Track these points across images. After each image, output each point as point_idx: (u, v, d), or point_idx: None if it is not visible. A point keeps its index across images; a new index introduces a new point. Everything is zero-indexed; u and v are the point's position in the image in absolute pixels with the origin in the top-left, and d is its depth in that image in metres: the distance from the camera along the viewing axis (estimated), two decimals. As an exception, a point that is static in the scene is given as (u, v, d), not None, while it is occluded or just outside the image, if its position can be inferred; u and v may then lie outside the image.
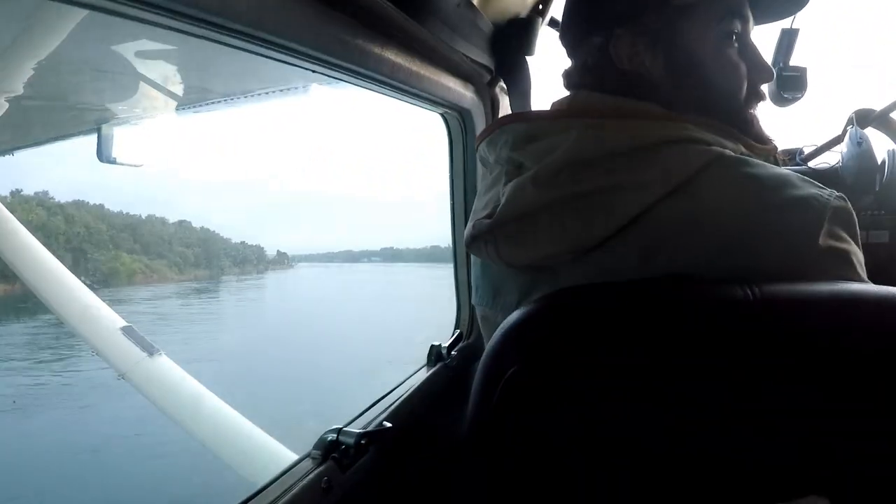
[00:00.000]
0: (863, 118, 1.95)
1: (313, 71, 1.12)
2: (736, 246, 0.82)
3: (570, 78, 1.05)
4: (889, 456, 0.75)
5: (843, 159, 1.93)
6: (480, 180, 1.05)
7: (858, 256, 0.85)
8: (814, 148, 2.08)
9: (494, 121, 1.02)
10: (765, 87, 1.05)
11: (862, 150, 1.87)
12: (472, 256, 1.08)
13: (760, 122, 1.04)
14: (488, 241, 0.94)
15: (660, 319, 0.76)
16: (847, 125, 1.97)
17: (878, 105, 1.97)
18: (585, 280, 0.87)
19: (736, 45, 0.99)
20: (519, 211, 0.90)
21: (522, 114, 1.05)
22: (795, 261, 0.82)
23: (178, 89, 1.41)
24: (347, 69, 1.16)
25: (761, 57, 1.01)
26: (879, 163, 1.86)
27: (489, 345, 0.82)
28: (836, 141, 2.04)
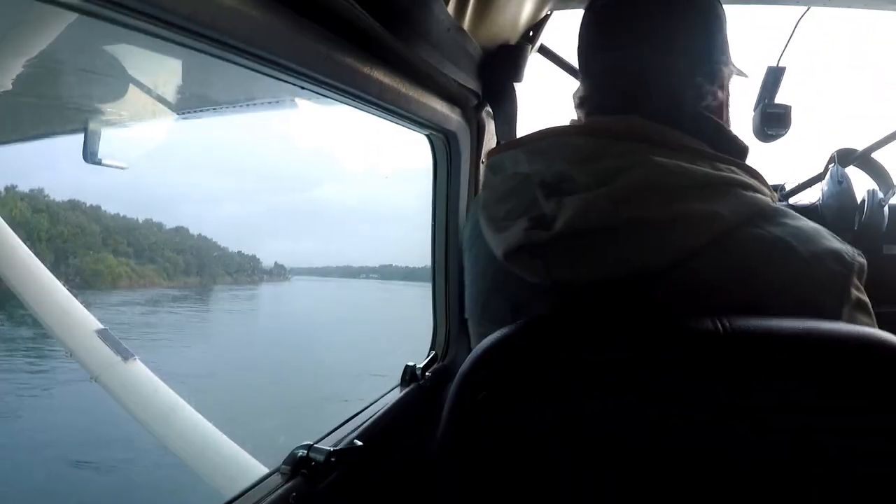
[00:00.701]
0: (844, 157, 1.99)
1: (302, 87, 1.13)
2: (770, 304, 0.85)
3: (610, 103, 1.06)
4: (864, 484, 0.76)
5: (823, 197, 1.97)
6: (485, 189, 1.05)
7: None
8: (796, 185, 2.11)
9: (536, 132, 1.02)
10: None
11: (842, 188, 1.91)
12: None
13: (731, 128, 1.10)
14: (537, 254, 0.90)
15: (639, 343, 0.78)
16: (829, 163, 2.00)
17: (869, 108, 2.02)
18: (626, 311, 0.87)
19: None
20: (586, 225, 0.87)
21: (582, 126, 1.03)
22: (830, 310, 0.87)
23: (166, 95, 1.41)
24: (335, 87, 1.17)
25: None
26: (859, 202, 1.90)
27: (463, 366, 0.82)
28: (818, 178, 2.07)
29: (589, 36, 1.11)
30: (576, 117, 1.12)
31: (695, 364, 0.77)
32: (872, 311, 0.91)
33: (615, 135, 0.95)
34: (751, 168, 0.97)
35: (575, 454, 0.79)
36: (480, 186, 1.86)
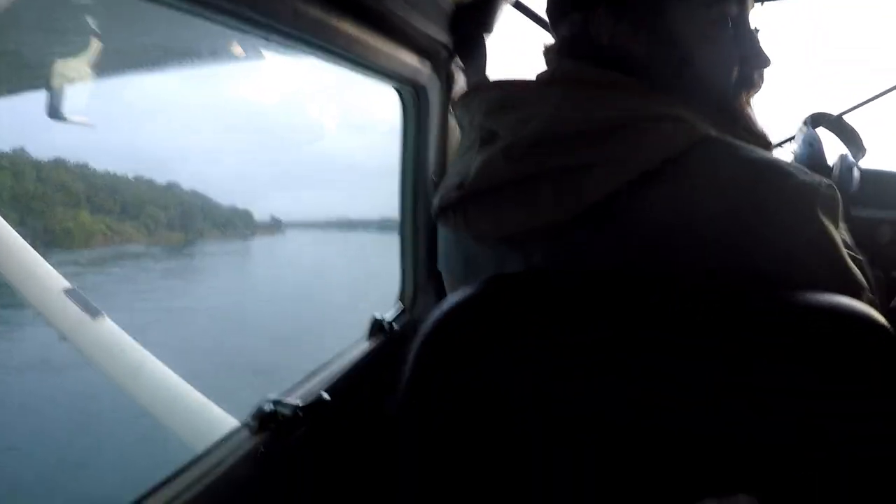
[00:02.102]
0: (817, 120, 2.00)
1: (267, 39, 1.11)
2: (721, 237, 0.79)
3: (548, 54, 1.02)
4: (817, 454, 0.78)
5: (794, 158, 1.99)
6: (458, 146, 1.04)
7: (840, 240, 0.84)
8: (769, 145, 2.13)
9: (471, 85, 1.01)
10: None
11: (813, 150, 1.93)
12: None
13: (753, 113, 1.00)
14: (457, 211, 0.92)
15: (625, 292, 0.78)
16: (801, 125, 2.02)
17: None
18: (557, 259, 0.85)
19: (731, 30, 0.95)
20: (488, 183, 0.87)
21: (500, 81, 0.98)
22: (789, 249, 0.80)
23: (131, 49, 1.38)
24: (302, 39, 1.15)
25: (757, 42, 0.98)
26: (830, 165, 1.92)
27: (425, 325, 0.82)
28: (789, 140, 2.09)
29: None
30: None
31: (680, 342, 0.76)
32: (840, 243, 0.84)
33: (532, 83, 0.95)
34: (703, 108, 0.91)
35: (549, 434, 0.80)
36: (449, 139, 1.86)
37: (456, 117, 1.04)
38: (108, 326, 2.34)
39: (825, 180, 0.83)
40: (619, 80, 0.92)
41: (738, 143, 0.85)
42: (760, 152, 0.84)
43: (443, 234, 1.06)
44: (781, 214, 0.80)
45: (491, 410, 0.80)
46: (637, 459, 0.79)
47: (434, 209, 0.96)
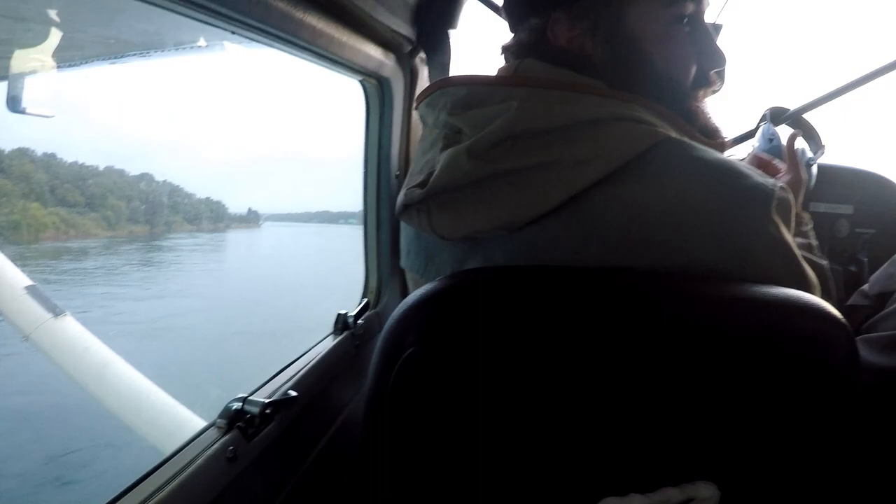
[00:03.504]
0: (776, 115, 2.04)
1: (233, 32, 1.09)
2: (679, 235, 0.80)
3: (508, 52, 1.03)
4: (775, 443, 0.80)
5: (754, 153, 2.02)
6: (419, 141, 1.01)
7: (794, 244, 0.86)
8: (728, 140, 2.16)
9: (435, 81, 0.98)
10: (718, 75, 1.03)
11: (772, 146, 1.97)
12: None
13: (709, 113, 1.02)
14: (421, 210, 0.90)
15: (563, 303, 0.78)
16: (760, 121, 2.05)
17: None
18: (517, 257, 0.86)
19: (687, 28, 0.96)
20: (452, 182, 0.87)
21: (465, 77, 0.96)
22: (744, 247, 0.81)
23: (93, 40, 1.35)
24: (267, 32, 1.13)
25: (714, 41, 0.99)
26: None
27: (388, 322, 0.81)
28: (749, 135, 2.13)
29: None
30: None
31: (636, 334, 0.77)
32: (794, 246, 0.86)
33: (495, 81, 0.94)
34: (662, 109, 0.93)
35: (493, 436, 0.80)
36: (412, 133, 1.85)
37: (419, 113, 1.02)
38: (71, 325, 2.29)
39: (779, 182, 0.84)
40: (581, 81, 0.93)
41: (696, 145, 0.86)
42: (717, 154, 0.86)
43: (405, 230, 1.06)
44: (736, 214, 0.81)
45: (455, 405, 0.80)
46: (598, 450, 0.80)
47: (398, 206, 0.94)
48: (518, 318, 0.78)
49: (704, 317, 0.77)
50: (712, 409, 0.78)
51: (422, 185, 0.89)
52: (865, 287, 1.22)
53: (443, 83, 0.96)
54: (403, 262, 1.08)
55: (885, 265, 1.18)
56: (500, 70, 1.00)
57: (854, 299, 1.25)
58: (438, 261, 0.96)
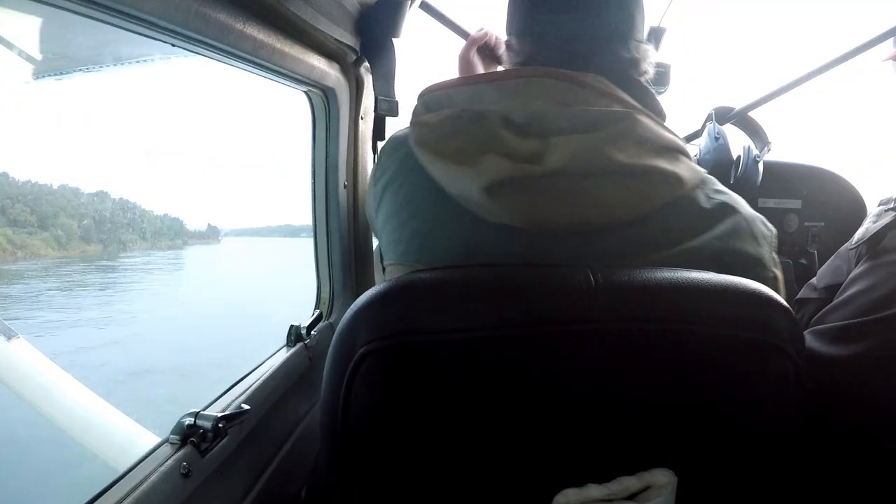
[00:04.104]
0: (721, 115, 2.09)
1: (172, 44, 1.08)
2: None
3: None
4: (728, 427, 0.82)
5: (700, 152, 2.08)
6: (419, 125, 1.02)
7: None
8: None
9: (510, 70, 1.06)
10: None
11: (719, 144, 2.02)
12: (383, 209, 1.03)
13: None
14: (520, 191, 0.89)
15: (509, 299, 0.79)
16: (706, 121, 2.10)
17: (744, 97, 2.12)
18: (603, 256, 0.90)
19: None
20: (583, 167, 0.90)
21: (561, 73, 1.00)
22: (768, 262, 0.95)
23: (35, 55, 1.33)
24: (207, 44, 1.13)
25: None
26: (735, 158, 2.01)
27: (340, 323, 0.82)
28: (696, 135, 2.18)
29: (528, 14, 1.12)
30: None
31: (555, 346, 0.80)
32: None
33: (593, 88, 0.99)
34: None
35: (452, 436, 0.81)
36: (360, 142, 1.85)
37: (431, 99, 1.06)
38: (24, 347, 2.23)
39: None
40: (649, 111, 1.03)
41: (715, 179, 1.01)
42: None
43: (409, 222, 1.00)
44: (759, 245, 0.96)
45: (410, 404, 0.81)
46: (555, 443, 0.82)
47: (482, 184, 0.89)
48: (470, 316, 0.78)
49: (656, 304, 0.79)
50: (666, 396, 0.81)
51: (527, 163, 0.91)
52: (814, 280, 1.26)
53: (533, 73, 1.01)
54: (398, 257, 1.00)
55: (832, 258, 1.21)
56: (568, 73, 1.02)
57: (803, 293, 1.29)
58: (485, 255, 0.92)
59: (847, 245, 1.16)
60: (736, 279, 0.83)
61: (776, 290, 0.91)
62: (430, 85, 1.07)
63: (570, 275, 0.80)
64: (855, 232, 1.15)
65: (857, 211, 2.03)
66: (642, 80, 1.08)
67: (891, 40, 1.86)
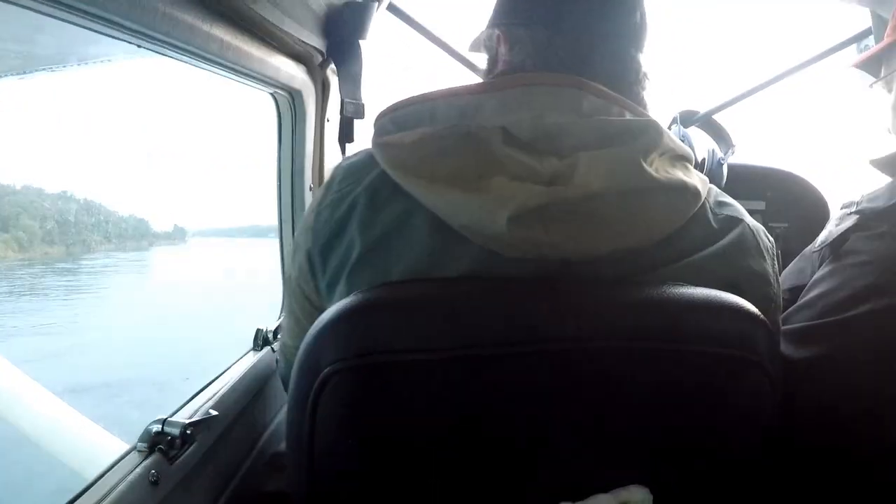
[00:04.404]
0: (686, 118, 2.11)
1: (138, 45, 1.07)
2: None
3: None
4: (704, 441, 0.83)
5: None
6: (392, 146, 0.86)
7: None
8: None
9: (509, 77, 0.89)
10: None
11: None
12: (344, 242, 0.87)
13: None
14: (555, 219, 0.77)
15: (486, 317, 0.77)
16: (671, 124, 2.13)
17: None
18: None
19: None
20: (631, 186, 0.79)
21: (577, 80, 0.86)
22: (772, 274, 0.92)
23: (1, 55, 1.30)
24: (174, 45, 1.12)
25: None
26: (699, 160, 2.03)
27: (305, 340, 0.79)
28: None
29: (531, 2, 0.99)
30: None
31: (526, 360, 0.77)
32: None
33: (606, 96, 0.87)
34: None
35: (418, 450, 0.79)
36: (325, 144, 1.85)
37: (403, 116, 0.88)
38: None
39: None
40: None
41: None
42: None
43: (379, 249, 0.87)
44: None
45: (377, 426, 0.79)
46: (526, 460, 0.80)
47: (506, 214, 0.76)
48: (441, 334, 0.76)
49: (639, 322, 0.78)
50: (643, 413, 0.80)
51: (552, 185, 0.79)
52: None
53: (533, 80, 0.87)
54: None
55: (796, 260, 1.23)
56: (574, 79, 0.89)
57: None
58: (449, 265, 0.82)
59: (811, 247, 1.17)
60: (717, 294, 0.81)
61: (776, 305, 0.91)
62: (404, 98, 0.90)
63: (552, 291, 0.78)
64: (818, 233, 1.17)
65: (820, 212, 2.06)
66: (642, 90, 0.99)
67: (854, 46, 1.90)
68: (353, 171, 0.91)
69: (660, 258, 0.83)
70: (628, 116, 0.86)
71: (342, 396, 0.77)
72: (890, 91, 1.20)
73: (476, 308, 0.77)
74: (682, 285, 0.81)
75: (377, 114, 0.92)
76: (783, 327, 1.06)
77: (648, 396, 0.79)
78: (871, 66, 1.27)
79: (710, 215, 0.88)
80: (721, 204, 0.92)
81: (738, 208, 0.93)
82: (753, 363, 0.80)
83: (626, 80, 0.96)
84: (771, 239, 0.95)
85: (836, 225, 1.12)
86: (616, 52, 0.96)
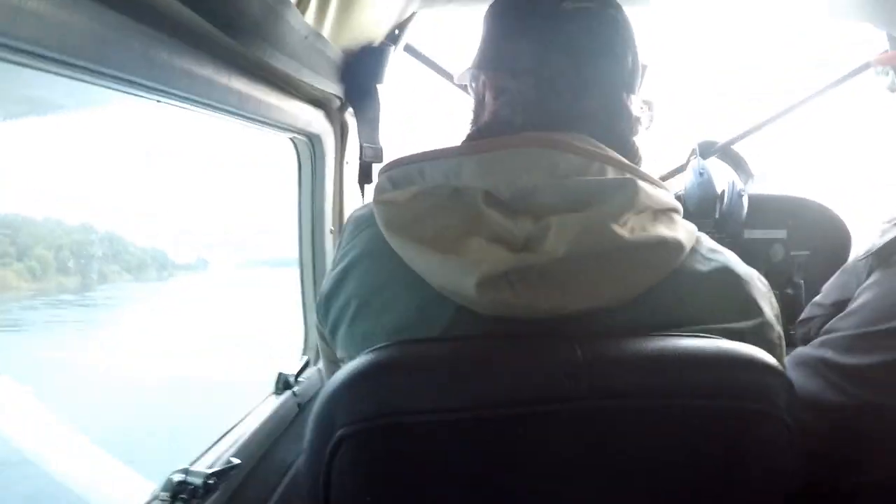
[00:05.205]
0: (705, 149, 2.11)
1: (158, 101, 1.09)
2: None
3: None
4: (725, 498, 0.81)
5: (686, 188, 2.10)
6: (386, 204, 0.88)
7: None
8: (659, 177, 2.24)
9: (486, 141, 0.90)
10: None
11: (703, 179, 2.05)
12: (344, 291, 0.90)
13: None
14: (521, 282, 0.77)
15: (485, 375, 0.76)
16: (690, 156, 2.13)
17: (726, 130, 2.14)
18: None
19: None
20: (588, 249, 0.79)
21: (553, 139, 0.87)
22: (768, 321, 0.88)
23: (18, 100, 1.34)
24: (194, 100, 1.14)
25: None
26: (719, 192, 2.03)
27: (319, 399, 0.78)
28: (680, 170, 2.20)
29: (517, 50, 0.99)
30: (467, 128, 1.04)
31: (531, 420, 0.76)
32: None
33: (584, 152, 0.87)
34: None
35: (435, 489, 0.78)
36: (345, 187, 1.86)
37: (398, 175, 0.91)
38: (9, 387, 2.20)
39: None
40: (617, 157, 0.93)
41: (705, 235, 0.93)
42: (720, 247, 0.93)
43: (369, 308, 0.89)
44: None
45: (392, 491, 0.77)
46: None
47: (475, 278, 0.77)
48: (453, 395, 0.75)
49: (646, 378, 0.77)
50: (658, 472, 0.78)
51: (523, 249, 0.80)
52: (818, 298, 1.28)
53: (513, 143, 0.88)
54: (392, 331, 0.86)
55: (837, 275, 1.24)
56: (556, 137, 0.89)
57: (809, 311, 1.32)
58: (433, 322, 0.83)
59: (853, 260, 1.18)
60: (729, 345, 0.79)
61: (780, 348, 0.88)
62: (398, 157, 0.93)
63: (556, 349, 0.77)
64: (841, 259, 1.18)
65: (841, 238, 2.05)
66: (634, 137, 0.99)
67: (872, 70, 1.88)
68: (359, 224, 0.94)
69: (649, 314, 0.82)
70: (609, 173, 0.86)
71: (356, 458, 0.76)
72: None
73: (488, 367, 0.76)
74: (695, 336, 0.80)
75: (380, 169, 0.96)
76: (832, 335, 1.05)
77: (664, 456, 0.77)
78: None
79: (700, 265, 0.87)
80: (711, 251, 0.90)
81: (728, 256, 0.91)
82: (773, 416, 0.78)
83: (617, 130, 0.96)
84: (766, 283, 0.92)
85: (880, 237, 1.13)
86: (607, 100, 0.97)
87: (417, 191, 0.86)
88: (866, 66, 1.87)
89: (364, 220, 0.93)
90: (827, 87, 2.01)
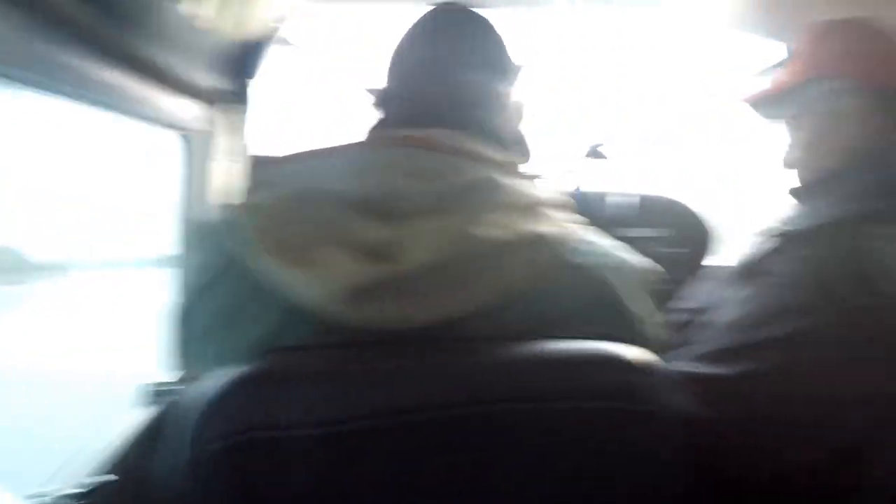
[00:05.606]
0: (593, 153, 2.16)
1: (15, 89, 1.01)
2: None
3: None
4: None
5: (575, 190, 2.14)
6: (254, 210, 0.83)
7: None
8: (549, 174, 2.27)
9: (352, 144, 0.89)
10: None
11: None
12: (201, 310, 0.86)
13: None
14: (378, 296, 0.75)
15: (353, 388, 0.75)
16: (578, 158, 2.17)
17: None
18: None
19: None
20: (446, 257, 0.77)
21: (416, 137, 0.87)
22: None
23: None
24: (65, 92, 1.07)
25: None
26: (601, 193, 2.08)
27: (186, 411, 0.74)
28: (569, 172, 2.24)
29: (412, 46, 1.04)
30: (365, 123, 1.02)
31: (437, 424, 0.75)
32: None
33: (451, 149, 0.87)
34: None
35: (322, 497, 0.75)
36: (229, 184, 1.80)
37: (262, 178, 0.88)
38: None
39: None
40: (512, 160, 0.95)
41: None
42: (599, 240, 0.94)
43: (231, 317, 0.85)
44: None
45: (261, 496, 0.74)
46: None
47: (328, 292, 0.75)
48: (327, 406, 0.73)
49: (515, 383, 0.76)
50: (537, 479, 0.77)
51: (380, 259, 0.76)
52: (682, 302, 1.30)
53: (389, 142, 0.89)
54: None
55: (701, 280, 1.26)
56: (424, 134, 0.90)
57: (675, 316, 1.33)
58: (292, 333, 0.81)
59: (720, 267, 1.21)
60: (597, 345, 0.79)
61: (657, 341, 0.89)
62: (260, 156, 0.92)
63: (424, 357, 0.76)
64: (704, 254, 1.20)
65: (702, 234, 2.13)
66: (507, 131, 0.99)
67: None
68: (219, 230, 0.87)
69: (516, 314, 0.81)
70: (474, 171, 0.85)
71: (222, 474, 0.72)
72: (799, 129, 1.24)
73: (356, 379, 0.75)
74: (564, 339, 0.80)
75: (251, 171, 0.93)
76: (700, 348, 1.07)
77: (543, 459, 0.76)
78: (775, 102, 1.29)
79: (570, 258, 0.86)
80: (589, 244, 0.90)
81: (608, 249, 0.92)
82: (644, 413, 0.78)
83: (495, 123, 0.97)
84: (640, 263, 0.94)
85: (752, 247, 1.15)
86: (485, 96, 0.98)
87: (281, 194, 0.83)
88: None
89: (225, 227, 0.86)
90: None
